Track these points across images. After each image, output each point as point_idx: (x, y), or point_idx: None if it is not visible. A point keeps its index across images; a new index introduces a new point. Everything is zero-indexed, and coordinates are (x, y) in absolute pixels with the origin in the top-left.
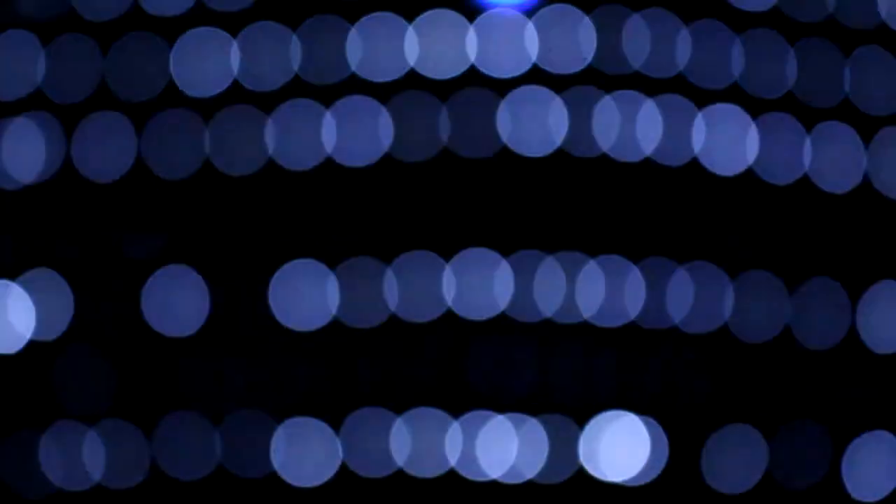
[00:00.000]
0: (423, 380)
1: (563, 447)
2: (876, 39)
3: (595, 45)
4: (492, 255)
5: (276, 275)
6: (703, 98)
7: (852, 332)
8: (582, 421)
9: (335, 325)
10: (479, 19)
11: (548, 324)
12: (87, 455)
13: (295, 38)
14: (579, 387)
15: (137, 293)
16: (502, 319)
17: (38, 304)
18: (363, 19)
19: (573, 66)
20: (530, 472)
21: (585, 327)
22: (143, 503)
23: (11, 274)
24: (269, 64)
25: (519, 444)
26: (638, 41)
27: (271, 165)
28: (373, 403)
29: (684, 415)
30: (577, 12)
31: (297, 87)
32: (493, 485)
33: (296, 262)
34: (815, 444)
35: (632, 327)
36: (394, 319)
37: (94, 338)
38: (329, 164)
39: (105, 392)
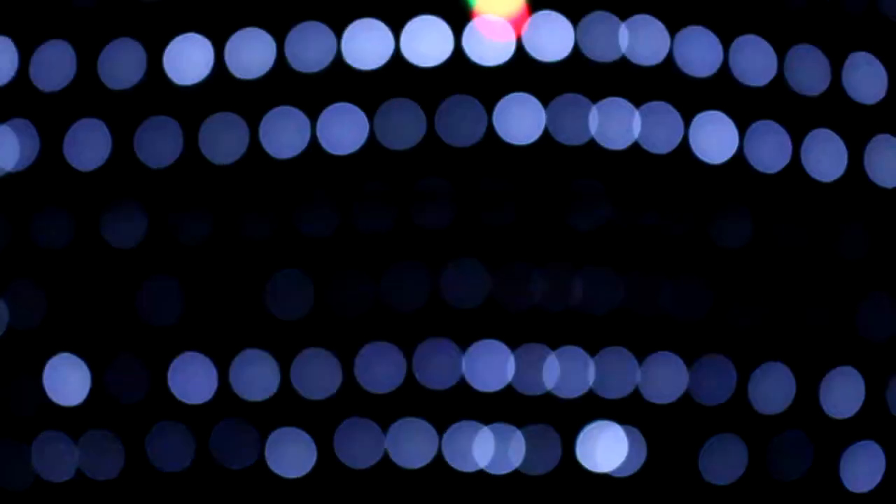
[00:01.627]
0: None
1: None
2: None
3: (582, 52)
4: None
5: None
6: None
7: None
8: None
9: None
10: (467, 28)
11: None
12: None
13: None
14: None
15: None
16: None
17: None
18: (349, 26)
19: (560, 74)
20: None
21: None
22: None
23: None
24: (252, 68)
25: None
26: (627, 49)
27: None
28: (359, 414)
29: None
30: (565, 20)
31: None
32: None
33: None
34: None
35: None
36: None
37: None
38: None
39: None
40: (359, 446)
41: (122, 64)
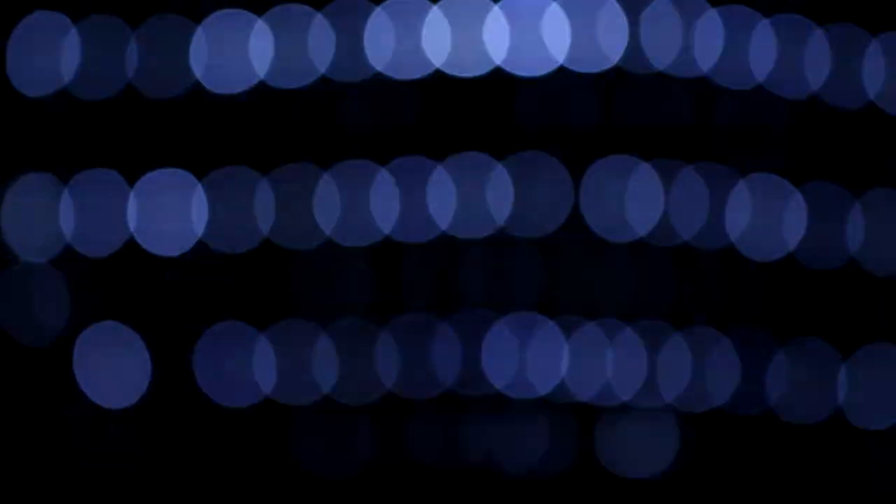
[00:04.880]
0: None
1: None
2: None
3: (619, 32)
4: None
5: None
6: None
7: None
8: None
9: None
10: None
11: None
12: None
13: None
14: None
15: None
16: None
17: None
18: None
19: (595, 54)
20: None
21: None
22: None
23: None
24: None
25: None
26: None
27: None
28: (391, 391)
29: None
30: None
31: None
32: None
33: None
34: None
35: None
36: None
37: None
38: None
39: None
40: None
41: None
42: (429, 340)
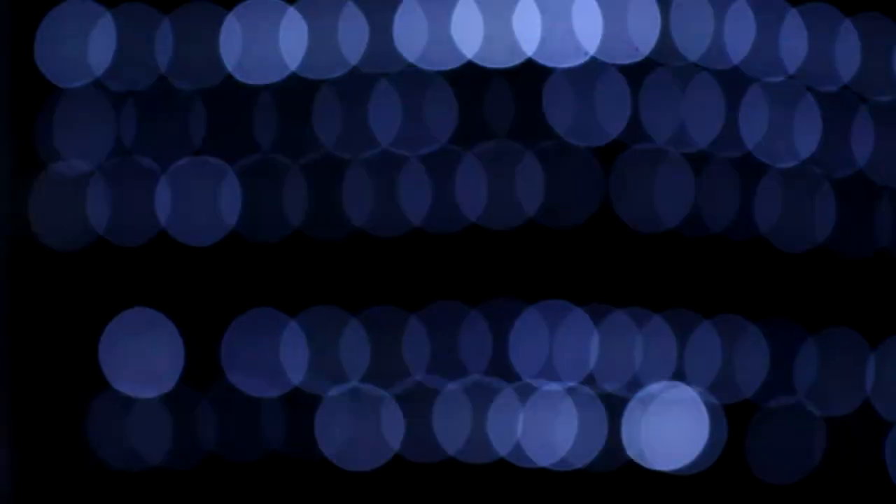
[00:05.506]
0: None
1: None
2: None
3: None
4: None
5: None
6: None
7: None
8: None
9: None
10: None
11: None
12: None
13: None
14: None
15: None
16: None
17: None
18: None
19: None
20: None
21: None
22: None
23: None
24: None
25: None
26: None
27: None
28: (423, 372)
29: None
30: None
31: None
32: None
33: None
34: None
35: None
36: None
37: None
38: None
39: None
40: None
41: None
42: (458, 329)
